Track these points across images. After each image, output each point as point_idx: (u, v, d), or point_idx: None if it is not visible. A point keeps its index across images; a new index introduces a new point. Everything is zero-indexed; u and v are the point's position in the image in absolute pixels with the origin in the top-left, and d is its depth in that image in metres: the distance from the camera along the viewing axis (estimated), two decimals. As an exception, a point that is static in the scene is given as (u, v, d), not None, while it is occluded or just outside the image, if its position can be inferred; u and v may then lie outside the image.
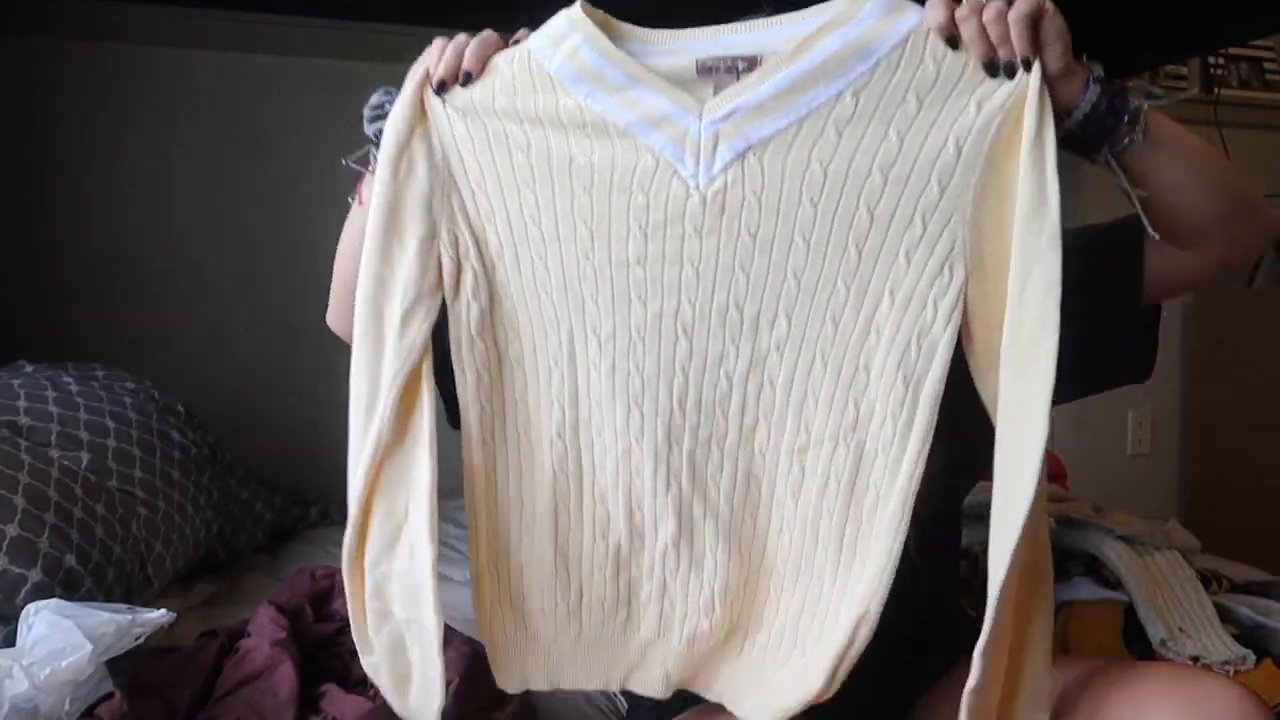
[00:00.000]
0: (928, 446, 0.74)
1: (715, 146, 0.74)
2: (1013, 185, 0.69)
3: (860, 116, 0.72)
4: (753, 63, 0.75)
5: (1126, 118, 0.72)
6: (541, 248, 0.79)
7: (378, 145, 0.81)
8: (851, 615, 0.75)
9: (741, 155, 0.74)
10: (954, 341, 0.73)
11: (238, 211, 2.02)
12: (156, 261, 1.98)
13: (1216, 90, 2.54)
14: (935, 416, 0.74)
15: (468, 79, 0.77)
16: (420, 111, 0.79)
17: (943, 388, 0.73)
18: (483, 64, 0.77)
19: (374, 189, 0.79)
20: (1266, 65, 2.68)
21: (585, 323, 0.79)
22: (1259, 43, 2.65)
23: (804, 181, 0.73)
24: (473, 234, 0.80)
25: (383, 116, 0.81)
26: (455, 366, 0.81)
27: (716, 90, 0.75)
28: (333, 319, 0.94)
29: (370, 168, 0.82)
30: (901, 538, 0.75)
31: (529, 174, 0.78)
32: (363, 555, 0.82)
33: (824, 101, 0.72)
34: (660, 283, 0.77)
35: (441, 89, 0.78)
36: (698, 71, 0.76)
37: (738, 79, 0.75)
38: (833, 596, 0.78)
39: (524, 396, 0.82)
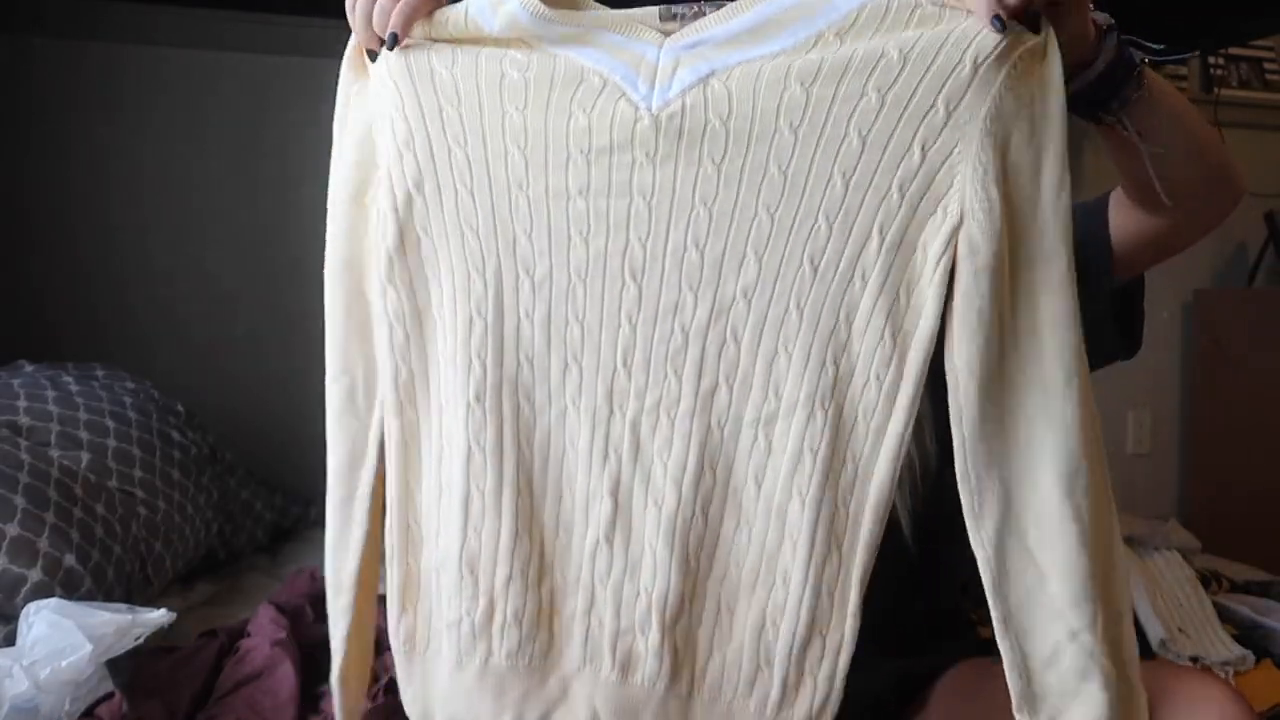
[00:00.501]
0: (915, 413, 0.66)
1: (675, 70, 0.66)
2: (1025, 123, 0.63)
3: (852, 43, 0.64)
4: (721, 6, 0.67)
5: (1135, 71, 0.69)
6: (467, 175, 0.69)
7: None
8: (836, 632, 0.68)
9: (704, 79, 0.66)
10: (943, 294, 0.65)
11: (238, 211, 2.02)
12: (157, 261, 1.98)
13: (1216, 90, 2.54)
14: (924, 379, 0.66)
15: (394, 42, 0.69)
16: (361, 72, 0.72)
17: (933, 346, 0.65)
18: (403, 30, 0.69)
19: (331, 167, 0.74)
20: (1266, 65, 2.68)
21: (516, 262, 0.68)
22: (1259, 43, 2.64)
23: (782, 104, 0.64)
24: (385, 165, 0.70)
25: None
26: (375, 318, 0.72)
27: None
28: None
29: None
30: (883, 523, 0.67)
31: (453, 90, 0.69)
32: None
33: (803, 39, 0.65)
34: (605, 217, 0.67)
35: (373, 56, 0.72)
36: (661, 18, 0.68)
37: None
38: (804, 604, 0.67)
39: (446, 356, 0.70)
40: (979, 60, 0.62)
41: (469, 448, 0.69)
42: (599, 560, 0.69)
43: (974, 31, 0.62)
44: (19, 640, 0.95)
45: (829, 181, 0.65)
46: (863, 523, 0.67)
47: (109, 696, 0.93)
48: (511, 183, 0.68)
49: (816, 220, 0.65)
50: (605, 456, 0.69)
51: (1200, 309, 2.64)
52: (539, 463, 0.70)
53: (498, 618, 0.70)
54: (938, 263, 0.64)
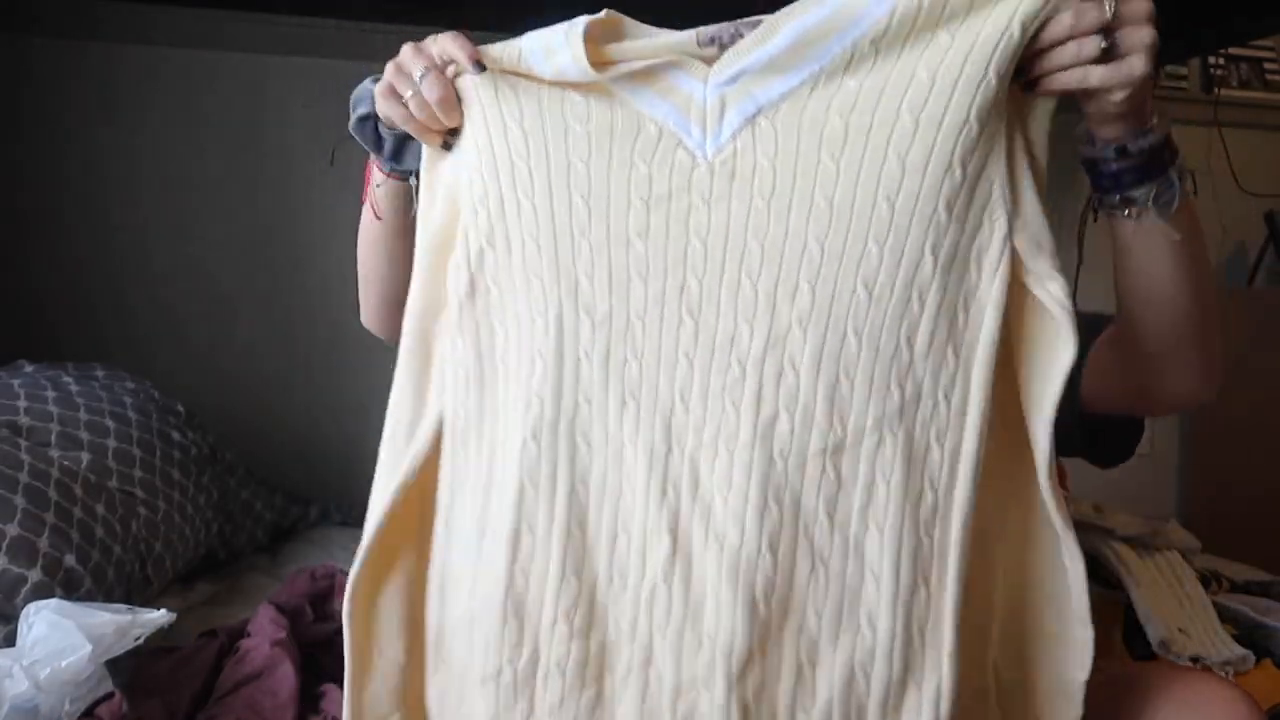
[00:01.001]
0: (986, 431, 0.65)
1: (722, 113, 0.67)
2: (1032, 123, 0.65)
3: (884, 60, 0.64)
4: (757, 27, 0.68)
5: (1138, 196, 0.69)
6: (534, 226, 0.70)
7: (369, 139, 0.80)
8: (932, 678, 0.65)
9: (751, 119, 0.67)
10: (1002, 305, 0.65)
11: (237, 211, 2.02)
12: (157, 262, 1.98)
13: (1216, 90, 2.53)
14: (990, 394, 0.65)
15: (480, 66, 0.71)
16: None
17: (995, 360, 0.65)
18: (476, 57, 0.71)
19: (419, 206, 0.75)
20: (1266, 65, 2.68)
21: (578, 304, 0.69)
22: (1259, 43, 2.64)
23: (822, 136, 0.65)
24: (463, 221, 0.72)
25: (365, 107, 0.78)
26: (436, 365, 0.73)
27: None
28: (366, 319, 0.97)
29: (373, 165, 0.82)
30: (968, 554, 0.65)
31: (523, 146, 0.70)
32: (379, 590, 0.75)
33: (839, 53, 0.65)
34: (664, 258, 0.68)
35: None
36: (699, 43, 0.69)
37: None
38: (895, 648, 0.65)
39: (505, 401, 0.71)
40: (1001, 73, 0.63)
41: (522, 484, 0.69)
42: (656, 606, 0.66)
43: (993, 42, 0.62)
44: (19, 640, 0.95)
45: (874, 207, 0.65)
46: (949, 555, 0.65)
47: (109, 696, 0.93)
48: (575, 230, 0.69)
49: (867, 245, 0.65)
50: (663, 493, 0.67)
51: (1200, 309, 2.64)
52: (594, 502, 0.69)
53: (542, 666, 0.68)
54: (995, 273, 0.65)
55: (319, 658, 1.09)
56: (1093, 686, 0.79)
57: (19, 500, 1.13)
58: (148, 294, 1.98)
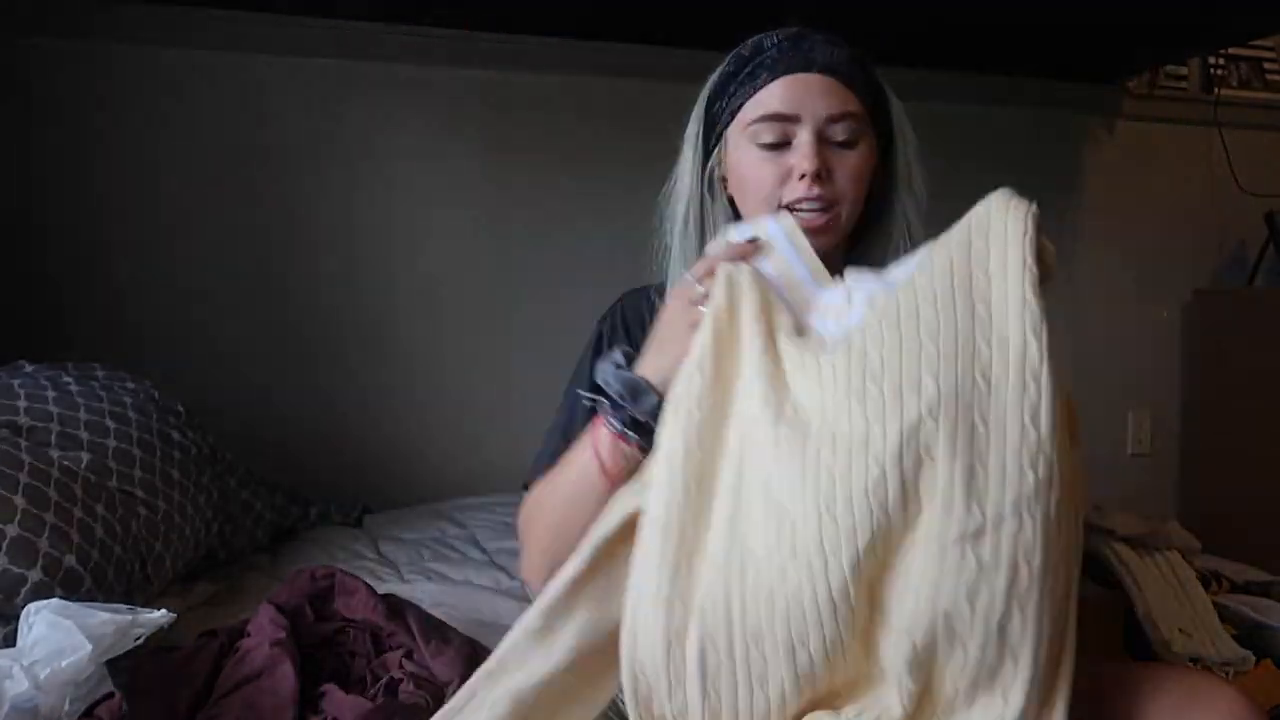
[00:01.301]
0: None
1: (850, 295, 0.79)
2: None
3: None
4: None
5: None
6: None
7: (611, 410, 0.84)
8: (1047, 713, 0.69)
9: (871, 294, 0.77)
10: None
11: (237, 211, 2.03)
12: (157, 262, 1.98)
13: (1216, 90, 2.54)
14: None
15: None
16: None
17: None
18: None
19: None
20: (1266, 65, 2.68)
21: (717, 444, 0.76)
22: (1259, 43, 2.65)
23: (921, 263, 0.74)
24: None
25: (624, 369, 0.85)
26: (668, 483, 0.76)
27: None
28: (541, 572, 0.87)
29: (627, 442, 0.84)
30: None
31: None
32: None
33: None
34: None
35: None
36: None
37: None
38: (1025, 717, 0.68)
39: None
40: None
41: (702, 609, 0.71)
42: (849, 709, 0.71)
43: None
44: (19, 640, 0.95)
45: (974, 312, 0.70)
46: (1070, 622, 0.70)
47: (109, 696, 0.93)
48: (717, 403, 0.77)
49: (975, 342, 0.70)
50: (832, 605, 0.69)
51: (1200, 309, 2.64)
52: (766, 622, 0.70)
53: None
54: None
55: (319, 658, 1.09)
56: (1093, 687, 0.79)
57: (19, 500, 1.13)
58: (148, 294, 1.98)
